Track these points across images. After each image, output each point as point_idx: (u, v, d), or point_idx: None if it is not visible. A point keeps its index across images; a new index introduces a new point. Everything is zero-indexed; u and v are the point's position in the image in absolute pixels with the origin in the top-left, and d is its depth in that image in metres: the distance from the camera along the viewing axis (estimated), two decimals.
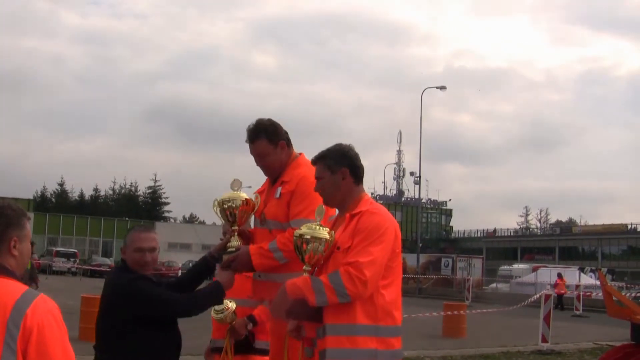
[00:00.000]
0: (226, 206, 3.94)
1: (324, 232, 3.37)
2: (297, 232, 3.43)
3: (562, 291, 31.03)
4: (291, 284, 3.33)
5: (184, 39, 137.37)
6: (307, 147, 4.13)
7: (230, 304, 4.33)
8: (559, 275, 33.37)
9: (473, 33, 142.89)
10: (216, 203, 4.00)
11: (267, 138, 3.97)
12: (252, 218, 4.15)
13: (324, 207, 3.59)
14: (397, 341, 3.37)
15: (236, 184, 4.00)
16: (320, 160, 3.62)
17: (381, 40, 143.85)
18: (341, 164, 3.57)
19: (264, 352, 4.61)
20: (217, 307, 4.35)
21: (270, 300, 3.52)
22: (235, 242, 3.97)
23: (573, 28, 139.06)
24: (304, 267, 3.41)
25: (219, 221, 4.41)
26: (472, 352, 13.54)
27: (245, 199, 3.97)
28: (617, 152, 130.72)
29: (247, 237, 4.08)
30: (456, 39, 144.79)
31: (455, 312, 16.54)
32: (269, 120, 4.05)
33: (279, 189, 3.94)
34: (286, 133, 4.06)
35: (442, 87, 50.00)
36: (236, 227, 4.00)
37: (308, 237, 3.37)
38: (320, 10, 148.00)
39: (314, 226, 3.40)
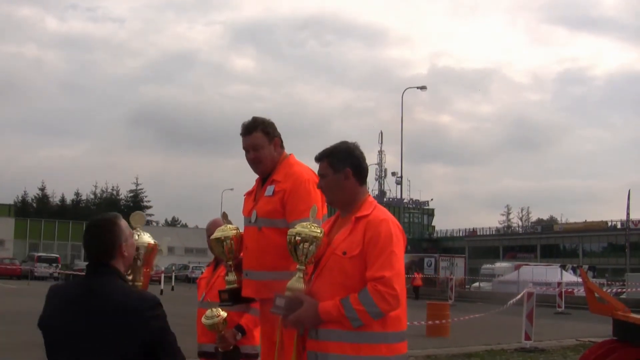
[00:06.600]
0: (226, 243, 4.01)
1: (317, 231, 3.34)
2: (292, 231, 3.36)
3: (418, 283, 38.09)
4: (324, 312, 3.21)
5: (162, 42, 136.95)
6: (289, 149, 4.11)
7: (222, 313, 4.33)
8: (417, 271, 41.37)
9: (452, 34, 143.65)
10: (214, 243, 4.09)
11: (263, 131, 3.97)
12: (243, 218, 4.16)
13: (317, 207, 3.56)
14: (404, 346, 3.33)
15: (224, 217, 4.15)
16: (325, 157, 3.50)
17: (360, 41, 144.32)
18: (345, 164, 3.46)
19: (249, 357, 4.61)
20: (208, 314, 4.35)
21: (276, 294, 3.39)
22: (232, 276, 4.04)
23: (550, 28, 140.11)
24: (297, 266, 3.36)
25: (202, 224, 4.44)
26: (456, 351, 13.59)
27: (236, 231, 4.04)
28: (596, 150, 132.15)
29: (241, 270, 4.06)
30: (436, 40, 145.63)
31: (439, 311, 16.60)
32: (266, 118, 4.08)
33: (272, 187, 3.90)
34: (280, 134, 4.07)
35: (423, 87, 50.20)
36: (231, 262, 4.05)
37: (304, 235, 3.32)
38: (296, 13, 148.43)
39: (308, 225, 3.37)
